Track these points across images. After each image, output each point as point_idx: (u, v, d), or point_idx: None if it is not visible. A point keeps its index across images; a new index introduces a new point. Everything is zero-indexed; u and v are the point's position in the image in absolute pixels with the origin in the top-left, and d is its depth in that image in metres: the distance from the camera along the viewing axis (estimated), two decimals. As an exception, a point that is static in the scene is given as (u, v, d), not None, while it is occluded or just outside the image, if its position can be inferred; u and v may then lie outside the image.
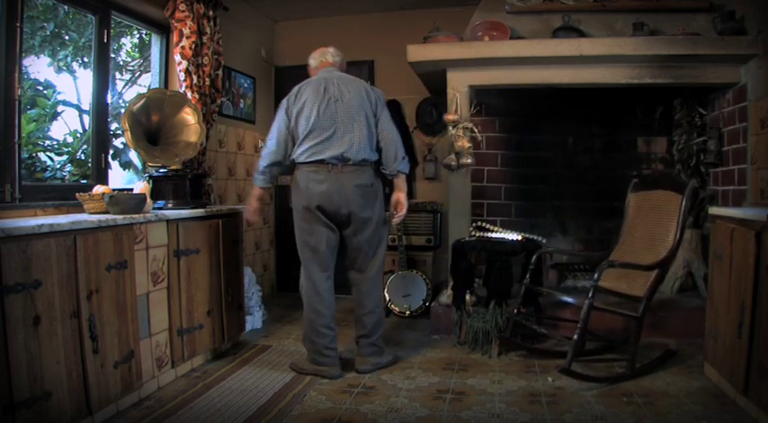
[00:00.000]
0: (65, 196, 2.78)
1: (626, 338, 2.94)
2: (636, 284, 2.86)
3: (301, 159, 2.81)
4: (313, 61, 3.06)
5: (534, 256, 3.15)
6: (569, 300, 2.87)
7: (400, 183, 2.98)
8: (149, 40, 3.98)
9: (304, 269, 2.92)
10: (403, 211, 2.98)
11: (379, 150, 2.90)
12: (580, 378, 2.66)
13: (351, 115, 2.80)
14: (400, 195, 2.99)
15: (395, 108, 4.71)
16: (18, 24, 2.51)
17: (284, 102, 2.90)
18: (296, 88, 2.90)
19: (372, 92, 2.91)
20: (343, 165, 2.78)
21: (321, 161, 2.78)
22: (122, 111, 3.24)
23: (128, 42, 4.78)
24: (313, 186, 2.79)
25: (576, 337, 2.65)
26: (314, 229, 2.84)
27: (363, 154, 2.80)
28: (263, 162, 2.91)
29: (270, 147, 2.88)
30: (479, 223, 3.76)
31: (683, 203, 2.87)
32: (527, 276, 3.13)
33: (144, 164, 3.56)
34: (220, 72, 3.69)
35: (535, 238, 3.51)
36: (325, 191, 2.78)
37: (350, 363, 2.99)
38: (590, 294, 2.68)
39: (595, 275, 2.71)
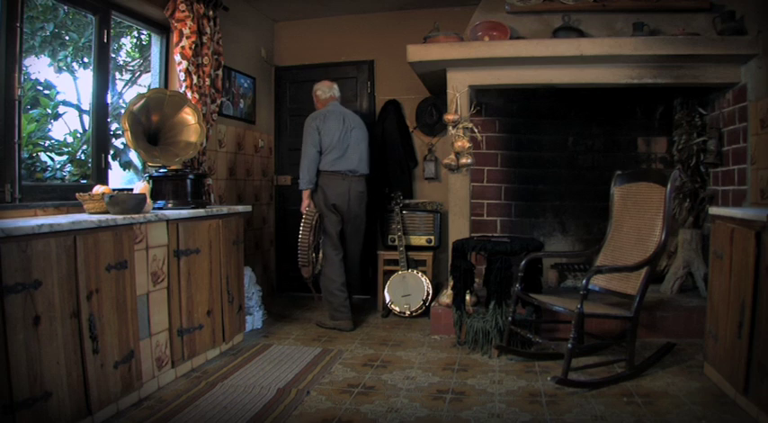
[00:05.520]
0: (65, 196, 2.79)
1: (623, 335, 2.92)
2: (629, 282, 2.86)
3: (325, 168, 3.76)
4: (321, 93, 3.92)
5: (522, 263, 3.08)
6: (559, 308, 2.80)
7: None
8: (149, 41, 3.98)
9: (323, 247, 3.86)
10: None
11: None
12: (578, 385, 2.65)
13: (359, 141, 3.84)
14: None
15: (394, 108, 4.72)
16: (18, 24, 2.51)
17: (314, 123, 3.75)
18: (322, 114, 3.80)
19: (364, 124, 3.97)
20: (353, 175, 3.81)
21: (338, 171, 3.77)
22: (122, 111, 3.24)
23: (128, 42, 4.78)
24: (333, 188, 3.75)
25: (569, 345, 2.63)
26: (330, 219, 3.81)
27: (363, 169, 3.89)
28: (313, 168, 3.72)
29: (313, 155, 3.71)
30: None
31: (667, 195, 2.83)
32: (516, 284, 3.05)
33: (144, 164, 3.56)
34: (220, 72, 3.69)
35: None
36: (341, 193, 3.78)
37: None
38: (579, 304, 2.64)
39: (583, 282, 2.67)
